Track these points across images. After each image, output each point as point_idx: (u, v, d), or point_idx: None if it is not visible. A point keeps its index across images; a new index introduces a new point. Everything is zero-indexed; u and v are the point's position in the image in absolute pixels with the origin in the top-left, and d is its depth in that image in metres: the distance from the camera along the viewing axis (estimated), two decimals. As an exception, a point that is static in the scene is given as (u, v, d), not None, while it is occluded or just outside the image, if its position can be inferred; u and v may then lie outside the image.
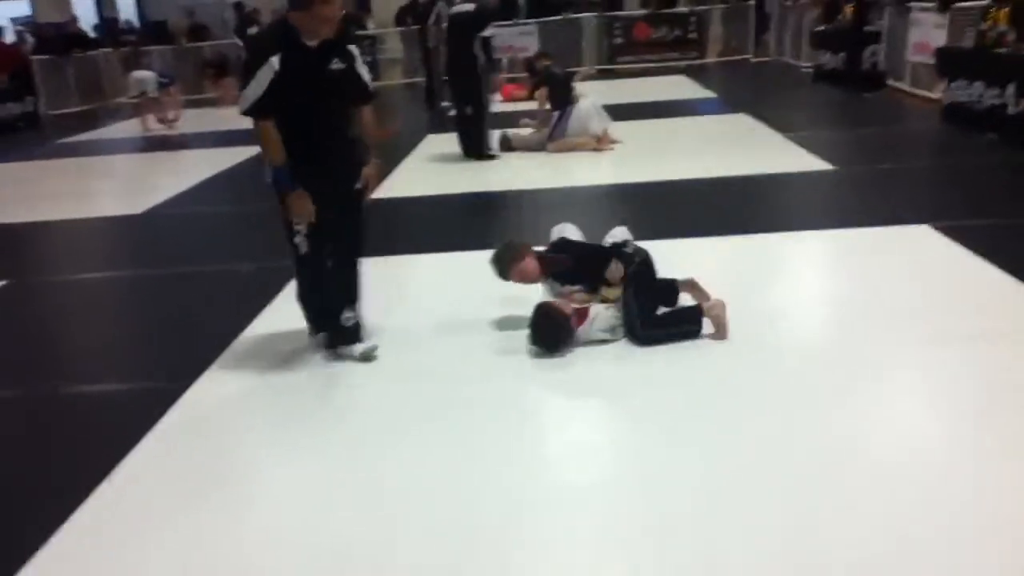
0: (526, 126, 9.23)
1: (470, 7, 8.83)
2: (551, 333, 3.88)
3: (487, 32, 8.74)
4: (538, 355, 3.88)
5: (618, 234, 4.43)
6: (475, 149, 8.88)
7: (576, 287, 4.09)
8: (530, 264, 4.07)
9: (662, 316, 4.04)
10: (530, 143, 9.02)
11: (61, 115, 16.21)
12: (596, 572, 2.46)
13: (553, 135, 8.91)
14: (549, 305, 3.94)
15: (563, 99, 8.97)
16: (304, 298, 3.97)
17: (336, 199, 3.73)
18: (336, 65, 3.57)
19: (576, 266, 4.12)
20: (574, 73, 10.60)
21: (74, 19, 19.43)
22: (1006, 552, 2.42)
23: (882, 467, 2.87)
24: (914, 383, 3.52)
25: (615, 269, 4.00)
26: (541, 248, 4.31)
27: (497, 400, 3.55)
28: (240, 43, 13.97)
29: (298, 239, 3.75)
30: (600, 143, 8.83)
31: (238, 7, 14.13)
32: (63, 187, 9.45)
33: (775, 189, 7.01)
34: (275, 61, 3.37)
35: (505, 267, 4.13)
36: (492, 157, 8.87)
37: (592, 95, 9.57)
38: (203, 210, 7.72)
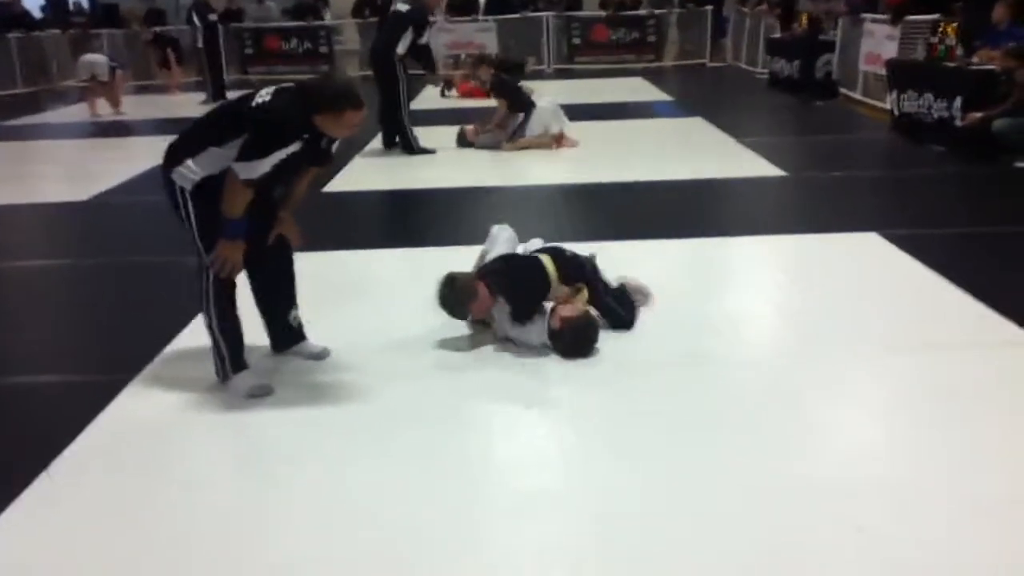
0: (482, 132, 9.13)
1: (404, 8, 8.79)
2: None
3: (423, 39, 8.68)
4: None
5: (535, 245, 4.37)
6: (403, 147, 8.94)
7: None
8: (483, 295, 3.89)
9: (618, 296, 4.15)
10: (486, 141, 8.98)
11: (3, 96, 15.75)
12: (544, 576, 2.44)
13: (514, 136, 8.90)
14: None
15: (522, 102, 8.96)
16: (226, 318, 3.61)
17: (262, 246, 3.65)
18: (324, 145, 3.47)
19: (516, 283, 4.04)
20: (523, 64, 10.63)
21: (17, -1, 18.93)
22: (963, 564, 2.46)
23: (833, 476, 2.88)
24: (862, 391, 3.56)
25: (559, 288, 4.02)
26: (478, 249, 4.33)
27: (436, 405, 3.51)
28: (200, 27, 13.69)
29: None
30: (558, 143, 8.84)
31: None
32: (5, 171, 9.17)
33: (728, 193, 7.07)
34: (295, 147, 3.27)
35: (461, 308, 3.95)
36: (425, 151, 8.87)
37: (549, 95, 9.57)
38: (150, 199, 7.50)
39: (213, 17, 13.92)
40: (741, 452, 3.03)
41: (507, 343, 3.94)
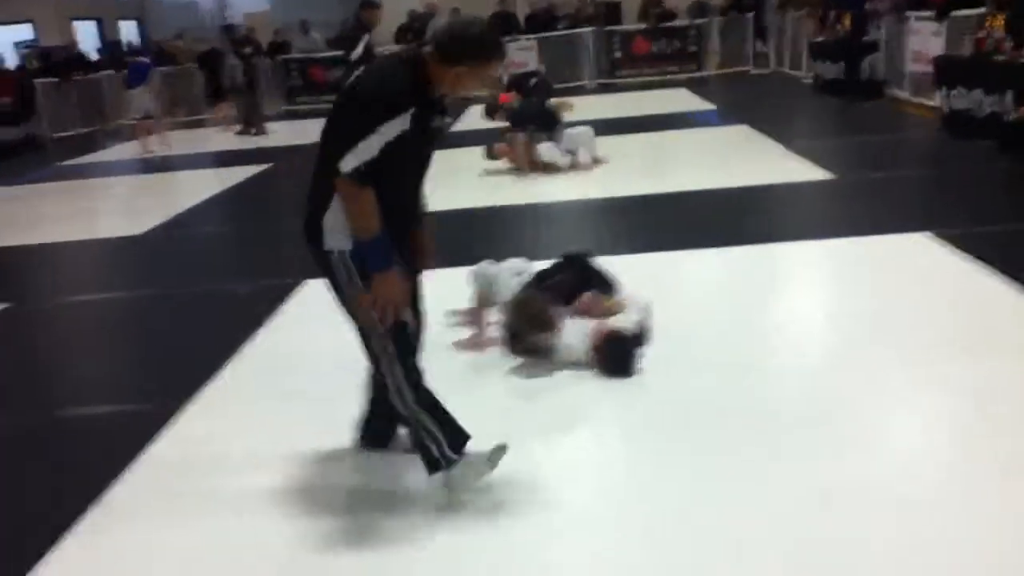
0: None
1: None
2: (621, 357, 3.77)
3: (354, 54, 8.81)
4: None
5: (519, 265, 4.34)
6: None
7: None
8: (554, 322, 3.85)
9: None
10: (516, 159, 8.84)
11: (63, 137, 16.27)
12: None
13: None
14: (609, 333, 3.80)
15: (546, 124, 8.84)
16: (422, 388, 2.86)
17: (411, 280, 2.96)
18: (437, 123, 2.83)
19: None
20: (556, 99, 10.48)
21: (75, 42, 19.58)
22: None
23: (889, 482, 2.83)
24: (919, 395, 3.48)
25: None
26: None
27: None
28: (239, 62, 14.04)
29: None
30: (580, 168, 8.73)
31: (228, 29, 14.32)
32: (64, 209, 9.47)
33: (776, 199, 6.99)
34: (408, 117, 2.61)
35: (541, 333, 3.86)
36: None
37: (583, 127, 9.34)
38: (202, 231, 7.73)
39: (249, 50, 14.30)
40: (791, 459, 2.99)
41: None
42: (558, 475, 3.05)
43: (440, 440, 2.82)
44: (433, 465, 2.84)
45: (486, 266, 4.33)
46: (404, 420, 2.86)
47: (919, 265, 4.98)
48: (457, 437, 2.86)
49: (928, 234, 5.37)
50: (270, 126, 14.41)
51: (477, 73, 2.71)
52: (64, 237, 7.70)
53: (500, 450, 2.92)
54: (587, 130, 8.91)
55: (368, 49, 8.75)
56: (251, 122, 14.07)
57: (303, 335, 4.73)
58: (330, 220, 2.74)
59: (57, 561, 2.78)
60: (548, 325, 3.81)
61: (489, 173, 8.82)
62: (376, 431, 3.25)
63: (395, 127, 2.60)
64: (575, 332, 3.82)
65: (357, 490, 3.06)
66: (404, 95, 2.63)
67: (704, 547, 2.55)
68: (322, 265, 2.81)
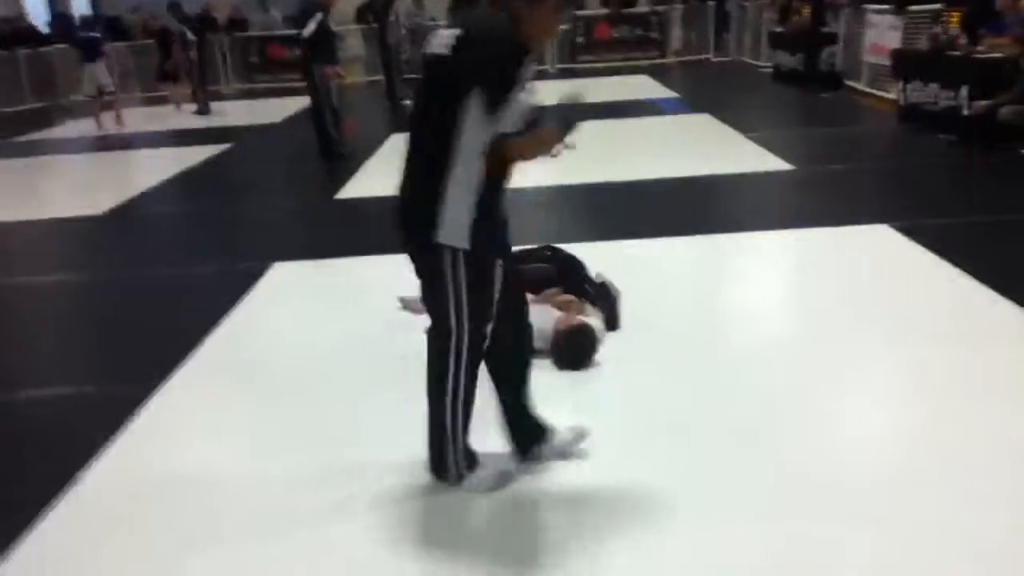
0: None
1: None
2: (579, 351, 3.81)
3: (306, 31, 8.68)
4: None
5: None
6: (320, 149, 9.01)
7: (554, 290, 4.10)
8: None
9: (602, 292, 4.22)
10: None
11: (12, 113, 15.87)
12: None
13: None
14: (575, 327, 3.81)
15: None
16: (470, 401, 2.80)
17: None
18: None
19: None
20: None
21: (23, 14, 19.05)
22: (972, 552, 2.50)
23: (844, 467, 2.93)
24: (874, 383, 3.59)
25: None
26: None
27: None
28: (191, 36, 13.85)
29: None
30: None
31: (174, 7, 14.11)
32: (18, 187, 9.27)
33: (736, 189, 7.10)
34: (528, 74, 2.49)
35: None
36: (338, 156, 8.97)
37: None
38: (165, 210, 7.63)
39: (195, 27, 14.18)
40: (751, 443, 3.08)
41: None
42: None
43: (460, 450, 2.82)
44: (445, 473, 2.85)
45: None
46: (434, 414, 2.80)
47: (876, 256, 5.11)
48: (472, 455, 2.87)
49: (885, 226, 5.51)
50: (228, 105, 14.21)
51: (560, 8, 2.61)
52: (18, 216, 7.54)
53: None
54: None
55: (322, 27, 8.64)
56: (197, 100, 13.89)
57: (276, 319, 4.72)
58: (450, 211, 2.54)
59: (31, 544, 2.77)
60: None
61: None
62: (526, 437, 3.00)
63: (526, 82, 2.46)
64: (541, 317, 3.84)
65: (316, 477, 3.08)
66: (521, 42, 2.50)
67: (668, 533, 2.63)
68: (426, 261, 2.65)
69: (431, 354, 2.77)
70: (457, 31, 2.54)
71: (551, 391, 3.39)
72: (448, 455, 2.83)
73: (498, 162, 2.57)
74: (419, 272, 2.74)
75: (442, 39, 2.55)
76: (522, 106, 2.49)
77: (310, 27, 8.62)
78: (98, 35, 13.62)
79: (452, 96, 2.48)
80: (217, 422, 3.57)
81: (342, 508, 2.85)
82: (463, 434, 2.81)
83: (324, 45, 8.79)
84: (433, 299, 2.71)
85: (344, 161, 8.89)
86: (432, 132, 2.55)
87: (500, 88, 2.43)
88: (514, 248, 2.92)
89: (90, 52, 12.85)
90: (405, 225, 2.69)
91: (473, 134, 2.49)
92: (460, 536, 2.70)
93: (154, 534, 2.79)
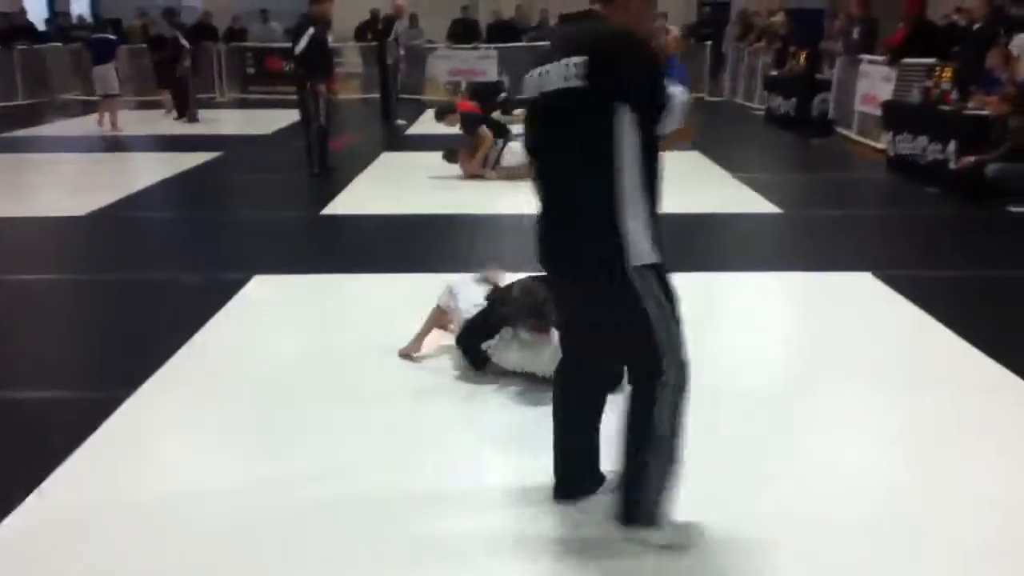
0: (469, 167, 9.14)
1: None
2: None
3: (298, 48, 8.72)
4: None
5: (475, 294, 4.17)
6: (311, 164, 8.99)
7: None
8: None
9: None
10: (474, 168, 8.95)
11: (4, 108, 15.79)
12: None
13: (496, 164, 8.92)
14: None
15: (500, 132, 9.06)
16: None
17: None
18: None
19: None
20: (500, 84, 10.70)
21: (22, 10, 19.01)
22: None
23: (827, 510, 2.91)
24: (853, 427, 3.58)
25: None
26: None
27: (441, 426, 3.52)
28: (184, 43, 13.85)
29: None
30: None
31: (169, 13, 14.09)
32: (4, 184, 9.19)
33: (722, 228, 7.13)
34: None
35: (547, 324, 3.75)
36: (319, 174, 8.95)
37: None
38: (149, 215, 7.57)
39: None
40: (733, 485, 3.06)
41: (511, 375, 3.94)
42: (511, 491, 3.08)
43: (664, 499, 2.61)
44: (646, 518, 2.62)
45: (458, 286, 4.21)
46: (644, 466, 2.58)
47: (857, 304, 5.11)
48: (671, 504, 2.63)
49: (869, 274, 5.53)
50: (221, 114, 14.19)
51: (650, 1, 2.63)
52: (1, 213, 7.46)
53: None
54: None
55: (314, 41, 8.63)
56: (186, 107, 13.86)
57: (251, 332, 4.67)
58: (631, 233, 2.44)
59: (-15, 551, 2.70)
60: (544, 321, 3.70)
61: (445, 178, 8.83)
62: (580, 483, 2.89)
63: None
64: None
65: (321, 471, 3.03)
66: (650, 47, 2.54)
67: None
68: (610, 297, 2.50)
69: (636, 403, 2.57)
70: (581, 58, 2.43)
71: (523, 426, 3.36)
72: (656, 506, 2.61)
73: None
74: (591, 315, 2.60)
75: (564, 71, 2.46)
76: (678, 104, 2.49)
77: (302, 43, 8.63)
78: (113, 38, 13.64)
79: (600, 122, 2.43)
80: (180, 432, 3.51)
81: (303, 514, 2.80)
82: (673, 475, 2.61)
83: (317, 60, 8.78)
84: (629, 337, 2.55)
85: (322, 178, 8.85)
86: (585, 161, 2.49)
87: (657, 101, 2.44)
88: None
89: (103, 54, 12.86)
90: (575, 265, 2.57)
91: (630, 148, 2.43)
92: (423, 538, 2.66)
93: (111, 544, 2.73)
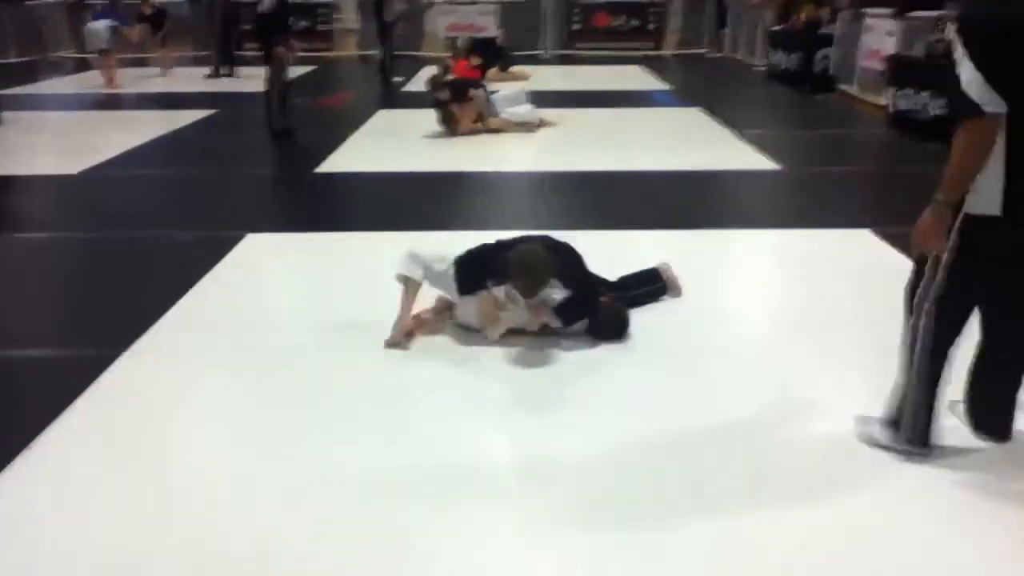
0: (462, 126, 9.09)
1: None
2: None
3: (261, 7, 8.53)
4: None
5: None
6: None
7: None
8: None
9: (625, 280, 4.23)
10: (468, 126, 8.89)
11: (-4, 65, 15.63)
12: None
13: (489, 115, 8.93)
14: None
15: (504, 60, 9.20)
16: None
17: None
18: None
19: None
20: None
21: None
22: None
23: (819, 474, 2.89)
24: (851, 384, 3.55)
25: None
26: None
27: (440, 385, 3.50)
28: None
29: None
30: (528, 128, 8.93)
31: None
32: (-5, 141, 9.11)
33: (723, 186, 7.06)
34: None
35: (536, 289, 3.74)
36: (278, 134, 8.74)
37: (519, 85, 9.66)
38: (142, 173, 7.50)
39: None
40: (730, 439, 3.05)
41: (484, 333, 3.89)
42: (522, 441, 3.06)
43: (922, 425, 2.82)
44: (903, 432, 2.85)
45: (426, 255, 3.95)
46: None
47: (856, 260, 5.07)
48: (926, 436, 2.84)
49: (868, 231, 5.47)
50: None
51: None
52: (-6, 171, 7.41)
53: None
54: (520, 92, 9.24)
55: (281, 2, 8.44)
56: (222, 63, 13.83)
57: (244, 290, 4.65)
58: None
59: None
60: (534, 284, 3.69)
61: (442, 136, 8.74)
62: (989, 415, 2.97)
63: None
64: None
65: (304, 436, 3.02)
66: None
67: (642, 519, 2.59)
68: None
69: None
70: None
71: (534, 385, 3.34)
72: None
73: None
74: None
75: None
76: None
77: (265, 2, 8.45)
78: (122, 14, 13.62)
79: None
80: (172, 391, 3.49)
81: (295, 474, 2.79)
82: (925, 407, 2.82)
83: (278, 19, 8.58)
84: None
85: (284, 138, 8.71)
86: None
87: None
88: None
89: (101, 15, 12.79)
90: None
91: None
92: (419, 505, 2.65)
93: (102, 504, 2.72)
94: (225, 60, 13.87)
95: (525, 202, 6.41)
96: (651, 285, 4.32)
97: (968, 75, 2.48)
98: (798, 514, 2.66)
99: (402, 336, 3.85)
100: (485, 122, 8.82)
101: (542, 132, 8.93)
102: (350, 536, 2.56)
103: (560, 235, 4.26)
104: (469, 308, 3.87)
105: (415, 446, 3.05)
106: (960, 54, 2.51)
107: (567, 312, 3.81)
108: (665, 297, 4.33)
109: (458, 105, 8.76)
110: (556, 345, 3.80)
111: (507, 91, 9.48)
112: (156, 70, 14.54)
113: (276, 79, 8.65)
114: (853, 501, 2.73)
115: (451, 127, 8.77)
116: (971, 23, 2.55)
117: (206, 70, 13.86)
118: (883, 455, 2.94)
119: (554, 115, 9.30)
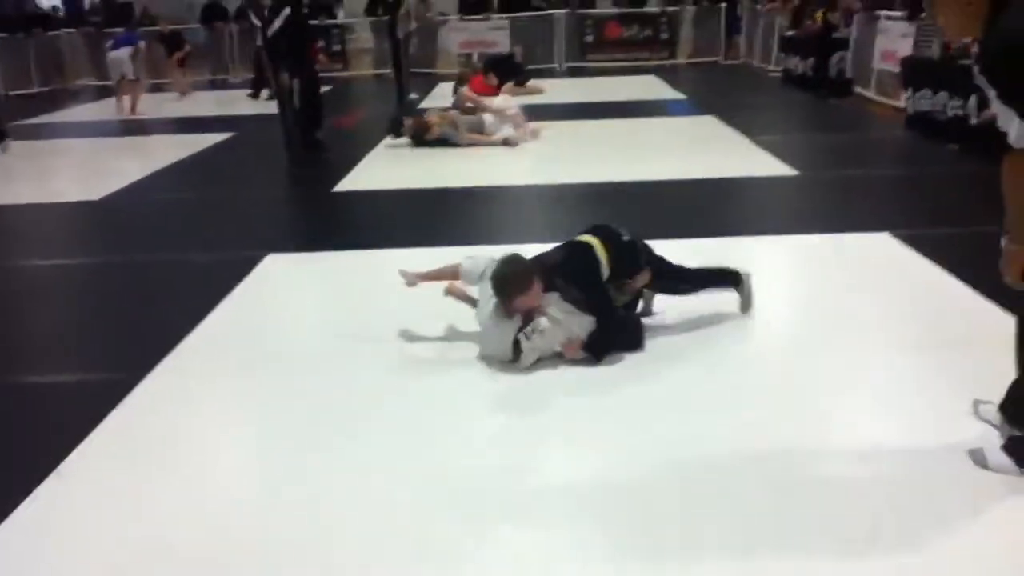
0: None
1: None
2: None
3: (271, 28, 8.57)
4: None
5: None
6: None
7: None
8: (535, 291, 3.68)
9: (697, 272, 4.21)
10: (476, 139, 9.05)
11: (20, 96, 15.85)
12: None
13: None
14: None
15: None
16: None
17: None
18: None
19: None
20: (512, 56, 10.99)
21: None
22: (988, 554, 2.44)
23: (848, 473, 2.88)
24: (873, 390, 3.53)
25: (642, 277, 3.95)
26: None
27: (467, 399, 3.51)
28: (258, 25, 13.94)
29: None
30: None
31: None
32: (19, 170, 9.24)
33: (740, 192, 7.04)
34: None
35: (508, 296, 3.69)
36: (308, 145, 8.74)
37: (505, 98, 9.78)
38: (161, 197, 7.58)
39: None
40: (751, 444, 3.04)
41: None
42: (514, 454, 3.06)
43: None
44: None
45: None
46: None
47: (878, 264, 5.04)
48: None
49: (887, 234, 5.44)
50: (235, 93, 14.18)
51: None
52: (17, 199, 7.51)
53: None
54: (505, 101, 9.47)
55: (291, 25, 8.46)
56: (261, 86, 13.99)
57: (266, 310, 4.69)
58: None
59: (10, 529, 2.73)
60: (522, 287, 3.65)
61: (458, 152, 8.78)
62: None
63: None
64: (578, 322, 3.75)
65: (323, 454, 3.04)
66: None
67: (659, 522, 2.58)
68: None
69: None
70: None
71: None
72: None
73: None
74: None
75: None
76: None
77: (275, 24, 8.50)
78: (136, 32, 13.79)
79: None
80: (195, 413, 3.52)
81: (321, 498, 2.81)
82: None
83: (288, 43, 8.59)
84: None
85: (316, 151, 8.80)
86: None
87: None
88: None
89: (121, 42, 13.01)
90: None
91: None
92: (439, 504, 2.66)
93: (127, 525, 2.75)
94: (266, 82, 14.07)
95: (544, 215, 6.42)
96: (715, 285, 4.18)
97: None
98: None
99: (415, 277, 4.09)
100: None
101: (558, 144, 8.95)
102: (373, 551, 2.57)
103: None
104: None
105: (437, 461, 3.05)
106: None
107: (597, 348, 3.73)
108: (729, 309, 4.20)
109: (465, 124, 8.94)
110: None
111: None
112: (174, 94, 14.73)
113: (288, 103, 8.68)
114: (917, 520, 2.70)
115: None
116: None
117: (223, 93, 14.02)
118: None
119: (569, 127, 9.32)
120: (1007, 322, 4.00)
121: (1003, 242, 2.61)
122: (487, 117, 9.11)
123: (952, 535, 2.56)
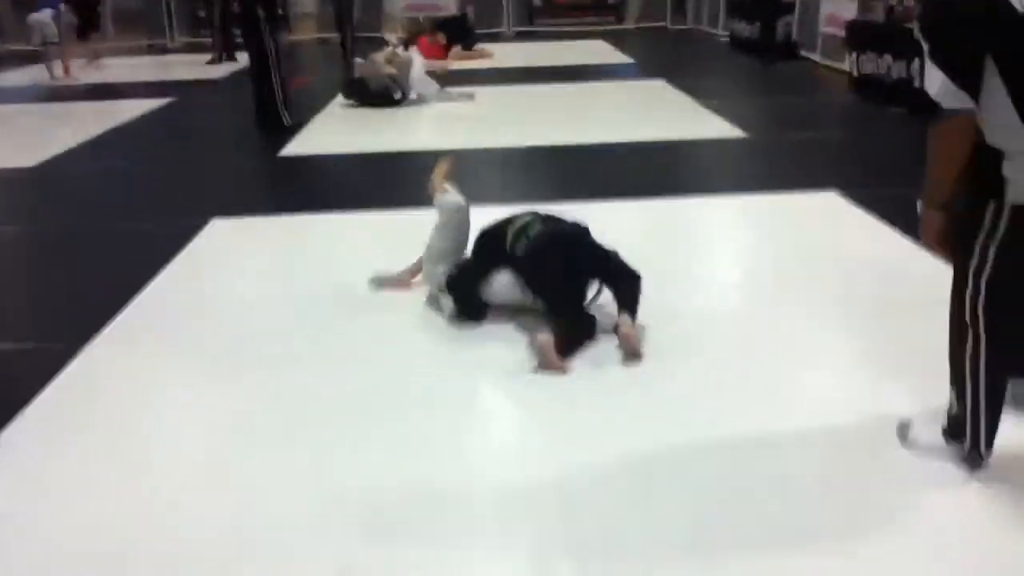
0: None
1: None
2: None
3: None
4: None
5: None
6: (271, 124, 8.26)
7: None
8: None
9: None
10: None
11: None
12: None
13: None
14: None
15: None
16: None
17: None
18: None
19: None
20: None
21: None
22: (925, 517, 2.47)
23: (793, 432, 2.89)
24: (820, 346, 3.56)
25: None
26: None
27: (423, 363, 3.46)
28: None
29: None
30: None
31: None
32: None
33: (689, 155, 7.05)
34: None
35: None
36: (281, 127, 8.24)
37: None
38: (99, 164, 7.34)
39: None
40: (700, 405, 3.04)
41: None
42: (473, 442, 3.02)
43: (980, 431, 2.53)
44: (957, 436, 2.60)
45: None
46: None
47: (824, 221, 5.10)
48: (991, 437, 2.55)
49: (835, 192, 5.49)
50: (172, 59, 13.76)
51: None
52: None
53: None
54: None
55: None
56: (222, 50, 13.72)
57: (210, 275, 4.57)
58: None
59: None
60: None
61: (403, 117, 8.65)
62: None
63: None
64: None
65: (270, 425, 2.97)
66: None
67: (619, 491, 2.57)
68: None
69: None
70: None
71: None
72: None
73: None
74: None
75: None
76: None
77: None
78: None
79: None
80: (136, 382, 3.42)
81: (270, 468, 2.74)
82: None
83: (271, 3, 8.33)
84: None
85: (288, 133, 8.21)
86: None
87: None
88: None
89: (42, 5, 12.48)
90: None
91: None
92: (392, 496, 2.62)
93: (63, 500, 2.66)
94: (225, 46, 13.69)
95: (495, 178, 6.35)
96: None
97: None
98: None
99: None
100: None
101: (508, 108, 8.88)
102: (322, 528, 2.52)
103: (531, 208, 4.19)
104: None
105: (408, 427, 3.01)
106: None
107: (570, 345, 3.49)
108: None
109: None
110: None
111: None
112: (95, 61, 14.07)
113: (275, 67, 8.31)
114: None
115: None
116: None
117: (162, 58, 13.59)
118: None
119: (519, 92, 9.23)
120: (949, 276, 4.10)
121: (918, 207, 2.59)
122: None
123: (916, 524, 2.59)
